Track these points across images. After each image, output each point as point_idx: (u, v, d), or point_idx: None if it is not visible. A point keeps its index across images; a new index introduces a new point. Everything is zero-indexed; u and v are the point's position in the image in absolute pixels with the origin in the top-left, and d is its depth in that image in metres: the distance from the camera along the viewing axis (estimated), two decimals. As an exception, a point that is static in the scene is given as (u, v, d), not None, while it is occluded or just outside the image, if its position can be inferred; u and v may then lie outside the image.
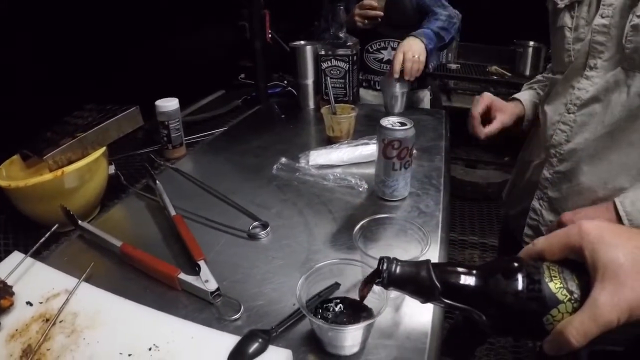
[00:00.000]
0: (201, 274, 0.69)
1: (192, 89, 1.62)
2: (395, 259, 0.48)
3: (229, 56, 1.95)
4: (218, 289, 0.67)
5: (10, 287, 0.65)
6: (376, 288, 0.54)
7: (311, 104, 1.57)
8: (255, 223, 0.86)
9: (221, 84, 1.88)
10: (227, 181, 1.04)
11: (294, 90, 1.65)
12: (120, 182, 1.04)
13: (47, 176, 0.81)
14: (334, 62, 1.43)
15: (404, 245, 0.72)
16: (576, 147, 0.86)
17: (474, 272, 0.45)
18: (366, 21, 1.60)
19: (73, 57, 1.12)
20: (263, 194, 0.99)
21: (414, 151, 0.93)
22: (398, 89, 1.41)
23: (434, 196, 0.96)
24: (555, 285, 0.41)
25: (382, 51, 1.68)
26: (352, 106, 1.27)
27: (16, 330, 0.60)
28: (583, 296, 0.40)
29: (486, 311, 0.44)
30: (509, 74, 2.82)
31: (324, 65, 1.44)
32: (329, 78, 1.43)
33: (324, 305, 0.60)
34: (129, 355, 0.56)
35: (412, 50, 1.37)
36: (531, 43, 2.73)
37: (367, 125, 1.35)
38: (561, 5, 0.89)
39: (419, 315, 0.64)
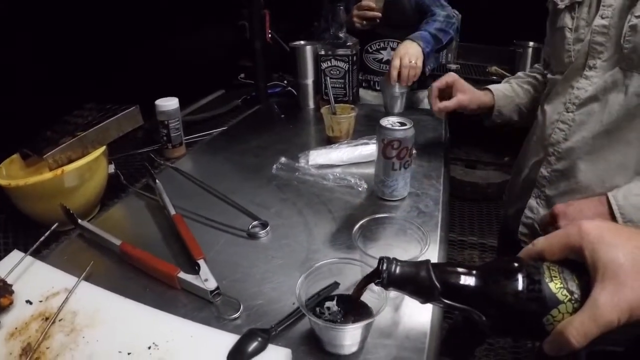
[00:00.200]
0: (201, 273, 0.69)
1: (192, 88, 1.62)
2: (394, 259, 0.48)
3: (228, 56, 1.95)
4: (217, 288, 0.67)
5: (10, 285, 0.65)
6: (376, 287, 0.54)
7: (311, 104, 1.57)
8: (255, 222, 0.86)
9: (221, 83, 1.88)
10: (226, 181, 1.04)
11: (293, 90, 1.65)
12: (120, 181, 1.04)
13: (47, 175, 0.81)
14: (334, 62, 1.43)
15: (403, 245, 0.72)
16: (574, 146, 0.87)
17: (474, 272, 0.45)
18: (364, 22, 1.60)
19: (73, 56, 1.12)
20: (263, 194, 0.99)
21: (414, 151, 0.93)
22: (397, 90, 1.41)
23: (434, 196, 0.96)
24: (556, 285, 0.41)
25: (381, 51, 1.68)
26: (352, 106, 1.27)
27: (16, 328, 0.60)
28: (583, 296, 0.40)
29: (486, 312, 0.44)
30: (509, 75, 2.80)
31: (324, 65, 1.44)
32: (328, 78, 1.43)
33: (323, 304, 0.60)
34: (129, 353, 0.56)
35: (409, 55, 1.36)
36: (531, 43, 2.72)
37: (367, 125, 1.35)
38: (561, 6, 0.89)
39: (418, 315, 0.64)
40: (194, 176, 1.06)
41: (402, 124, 0.88)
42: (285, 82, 1.77)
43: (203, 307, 0.66)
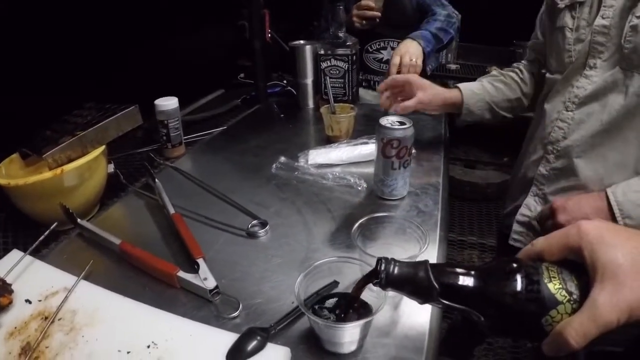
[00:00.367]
0: (200, 272, 0.69)
1: (191, 88, 1.62)
2: (393, 259, 0.48)
3: (228, 56, 1.95)
4: (217, 286, 0.67)
5: (9, 285, 0.65)
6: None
7: (310, 104, 1.57)
8: (254, 222, 0.86)
9: (220, 83, 1.88)
10: (226, 180, 1.04)
11: (293, 90, 1.65)
12: (119, 180, 1.04)
13: (47, 174, 0.81)
14: (334, 62, 1.43)
15: (402, 244, 0.72)
16: (573, 144, 0.87)
17: (473, 272, 0.45)
18: (364, 22, 1.60)
19: (72, 56, 1.12)
20: (262, 193, 0.99)
21: (413, 150, 0.93)
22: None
23: (433, 195, 0.96)
24: (554, 286, 0.41)
25: (381, 51, 1.68)
26: (352, 106, 1.27)
27: (15, 328, 0.60)
28: (582, 297, 0.40)
29: (485, 312, 0.44)
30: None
31: (324, 64, 1.44)
32: (328, 78, 1.43)
33: (323, 303, 0.60)
34: (128, 352, 0.56)
35: (409, 54, 1.36)
36: (531, 44, 2.72)
37: (367, 124, 1.35)
38: (561, 5, 0.89)
39: (417, 314, 0.64)
40: (193, 175, 1.06)
41: (402, 123, 0.88)
42: (285, 81, 1.77)
43: (202, 306, 0.66)
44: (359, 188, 0.99)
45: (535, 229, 0.96)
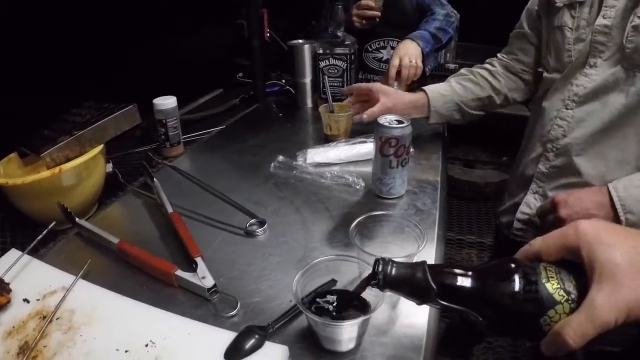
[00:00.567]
0: (198, 270, 0.69)
1: (190, 87, 1.61)
2: (390, 260, 0.48)
3: (227, 55, 1.94)
4: (215, 285, 0.67)
5: (7, 284, 0.65)
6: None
7: (309, 103, 1.57)
8: (253, 220, 0.86)
9: (219, 82, 1.87)
10: (224, 179, 1.04)
11: (291, 89, 1.65)
12: (117, 179, 1.03)
13: (45, 174, 0.81)
14: (332, 61, 1.43)
15: (400, 242, 0.72)
16: (572, 142, 0.87)
17: (470, 273, 0.45)
18: (364, 21, 1.60)
19: (71, 55, 1.11)
20: (260, 192, 0.99)
21: (411, 149, 0.93)
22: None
23: (431, 194, 0.96)
24: (552, 286, 0.41)
25: (381, 50, 1.68)
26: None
27: (13, 327, 0.60)
28: (580, 297, 0.40)
29: (483, 312, 0.44)
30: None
31: (322, 64, 1.44)
32: (326, 77, 1.43)
33: (320, 301, 0.60)
34: (126, 351, 0.56)
35: (409, 55, 1.36)
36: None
37: (365, 123, 1.34)
38: (560, 4, 0.89)
39: (415, 313, 0.64)
40: (191, 175, 1.06)
41: (400, 122, 0.88)
42: (284, 81, 1.77)
43: (200, 305, 0.66)
44: (357, 187, 0.99)
45: (536, 225, 0.96)
